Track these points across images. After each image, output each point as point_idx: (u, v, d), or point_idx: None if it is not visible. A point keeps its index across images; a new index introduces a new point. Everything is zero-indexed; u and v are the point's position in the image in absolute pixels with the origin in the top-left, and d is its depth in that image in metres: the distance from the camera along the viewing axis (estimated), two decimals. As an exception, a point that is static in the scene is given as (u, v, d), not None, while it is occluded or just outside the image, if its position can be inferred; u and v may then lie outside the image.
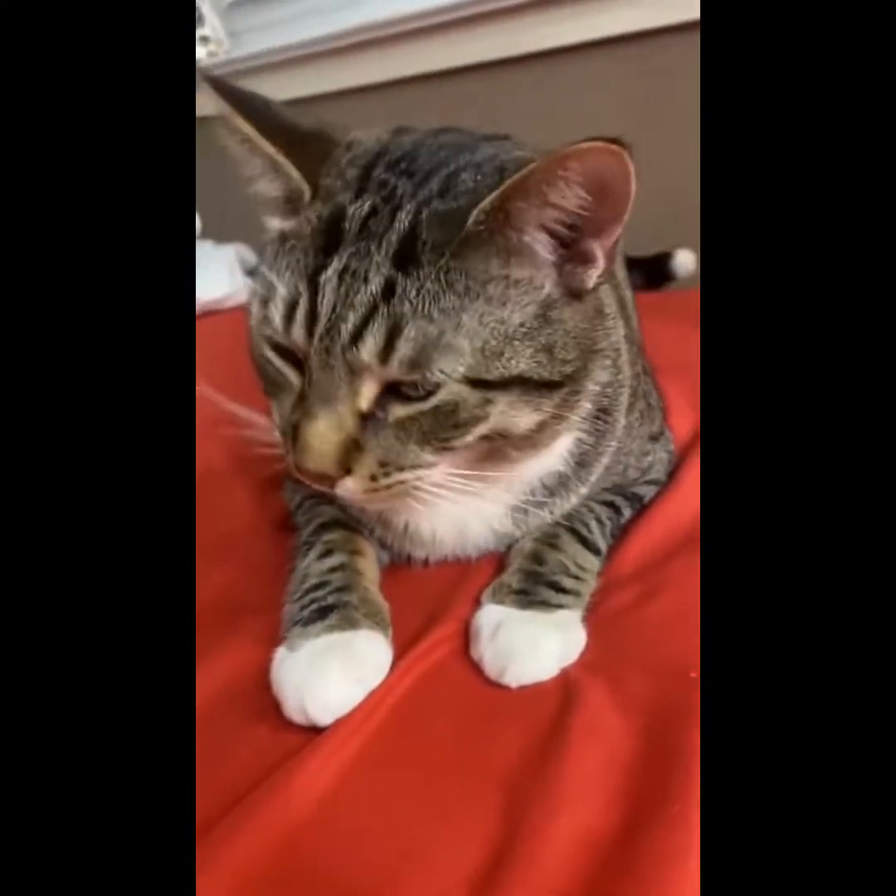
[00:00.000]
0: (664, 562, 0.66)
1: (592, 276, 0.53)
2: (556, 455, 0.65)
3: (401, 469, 0.54)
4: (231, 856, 0.47)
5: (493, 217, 0.49)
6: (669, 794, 0.46)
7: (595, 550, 0.68)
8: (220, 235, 1.86)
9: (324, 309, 0.50)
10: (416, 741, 0.54)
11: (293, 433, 0.53)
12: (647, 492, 0.75)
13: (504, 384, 0.52)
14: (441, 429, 0.52)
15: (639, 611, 0.62)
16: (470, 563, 0.71)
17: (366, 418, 0.52)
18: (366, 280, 0.50)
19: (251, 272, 1.87)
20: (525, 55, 1.52)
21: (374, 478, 0.54)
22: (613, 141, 0.45)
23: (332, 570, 0.65)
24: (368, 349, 0.49)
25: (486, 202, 0.49)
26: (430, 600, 0.67)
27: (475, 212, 0.49)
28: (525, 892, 0.42)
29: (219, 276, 1.72)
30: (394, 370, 0.50)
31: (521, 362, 0.52)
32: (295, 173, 0.54)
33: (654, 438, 0.76)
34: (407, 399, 0.51)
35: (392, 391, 0.52)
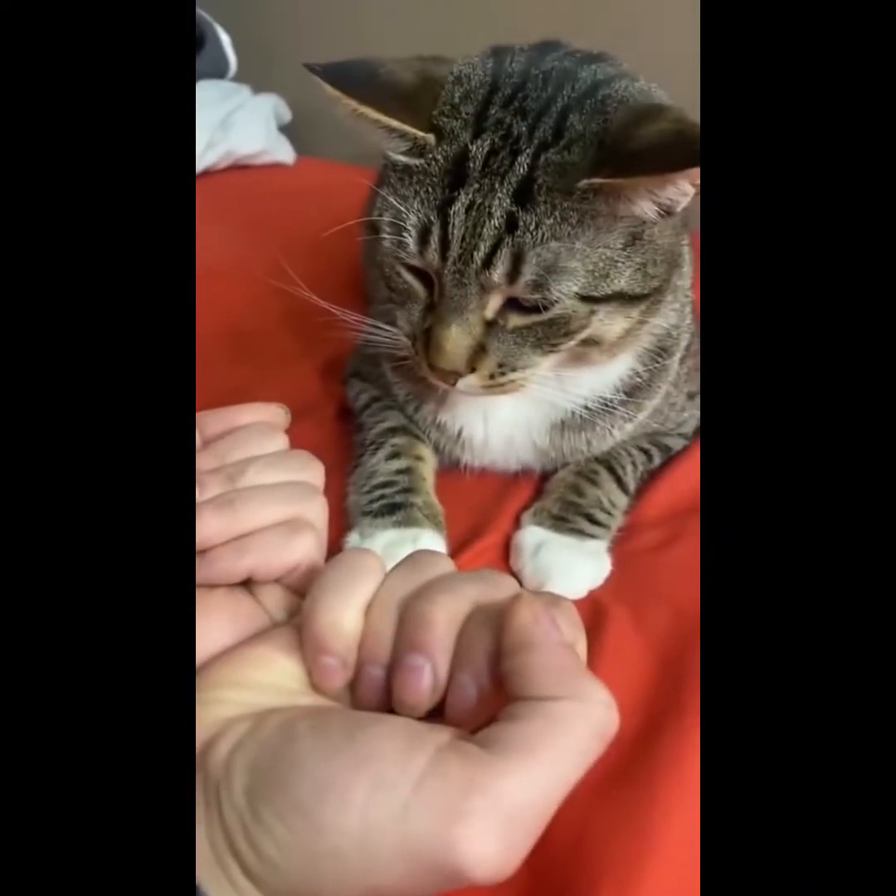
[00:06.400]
0: (686, 515, 0.75)
1: (683, 202, 0.61)
2: (610, 379, 0.72)
3: (514, 369, 0.64)
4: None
5: (596, 194, 0.57)
6: (681, 709, 0.56)
7: (626, 491, 0.77)
8: (258, 82, 1.79)
9: (455, 237, 0.59)
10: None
11: (424, 337, 0.63)
12: (676, 444, 0.83)
13: (607, 299, 0.61)
14: (553, 336, 0.62)
15: (660, 553, 0.72)
16: (509, 482, 0.79)
17: (489, 326, 0.62)
18: (490, 214, 0.58)
19: (284, 129, 1.84)
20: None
21: (492, 376, 0.64)
22: None
23: (399, 472, 0.73)
24: (499, 272, 0.58)
25: (594, 182, 0.56)
26: (475, 511, 0.76)
27: (581, 184, 0.57)
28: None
29: (255, 128, 1.66)
30: (519, 290, 0.59)
31: (622, 280, 0.61)
32: (419, 133, 0.60)
33: (691, 397, 0.83)
34: (525, 311, 0.61)
35: (512, 303, 0.61)
